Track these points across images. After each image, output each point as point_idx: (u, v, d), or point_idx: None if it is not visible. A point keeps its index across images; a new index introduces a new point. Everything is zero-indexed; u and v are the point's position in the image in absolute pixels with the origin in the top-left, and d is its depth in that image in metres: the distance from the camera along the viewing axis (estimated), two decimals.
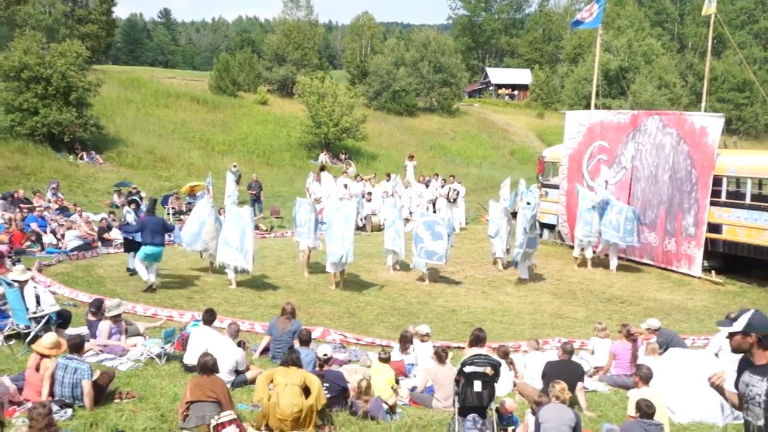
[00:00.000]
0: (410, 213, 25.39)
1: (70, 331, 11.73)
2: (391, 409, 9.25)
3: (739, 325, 5.01)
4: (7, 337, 11.20)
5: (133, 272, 16.88)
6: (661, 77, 65.40)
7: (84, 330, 11.87)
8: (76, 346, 8.98)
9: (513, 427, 8.91)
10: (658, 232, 21.43)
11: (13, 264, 14.35)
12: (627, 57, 66.45)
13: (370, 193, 26.31)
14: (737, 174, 20.25)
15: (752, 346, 5.02)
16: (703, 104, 27.34)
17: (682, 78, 67.03)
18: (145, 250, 15.51)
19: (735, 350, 5.13)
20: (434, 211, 26.74)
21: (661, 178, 21.38)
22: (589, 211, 21.17)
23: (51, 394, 8.53)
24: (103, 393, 8.67)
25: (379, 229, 25.03)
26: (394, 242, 19.36)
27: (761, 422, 4.94)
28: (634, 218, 20.78)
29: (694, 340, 13.98)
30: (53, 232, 20.10)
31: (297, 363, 8.42)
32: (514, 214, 21.39)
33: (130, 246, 16.79)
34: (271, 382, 8.34)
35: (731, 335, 5.09)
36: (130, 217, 17.83)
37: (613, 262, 21.51)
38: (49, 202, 23.60)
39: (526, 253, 19.30)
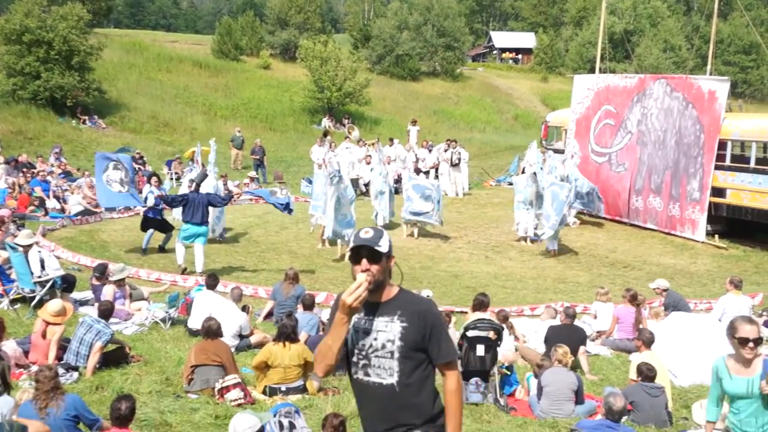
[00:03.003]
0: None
1: (75, 295, 11.82)
2: None
3: (385, 244, 3.74)
4: (13, 301, 11.28)
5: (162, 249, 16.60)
6: (666, 40, 64.70)
7: (89, 294, 11.96)
8: (106, 311, 9.16)
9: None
10: (663, 196, 21.37)
11: (18, 229, 14.38)
12: (632, 20, 65.75)
13: (370, 156, 26.13)
14: (742, 138, 20.14)
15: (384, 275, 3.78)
16: (708, 67, 27.10)
17: (687, 41, 66.28)
18: (182, 228, 14.71)
19: (375, 286, 3.72)
20: (436, 177, 26.72)
21: (668, 143, 21.27)
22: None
23: (58, 358, 8.61)
24: (109, 363, 8.72)
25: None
26: (381, 208, 19.93)
27: (393, 379, 3.74)
28: (593, 192, 21.29)
29: (696, 304, 14.02)
30: (57, 197, 20.11)
31: (291, 337, 8.32)
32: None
33: (148, 224, 16.35)
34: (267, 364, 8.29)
35: (375, 262, 3.72)
36: (152, 198, 16.67)
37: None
38: (52, 166, 23.59)
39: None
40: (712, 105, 20.12)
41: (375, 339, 3.77)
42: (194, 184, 15.84)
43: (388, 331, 3.75)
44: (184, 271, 14.57)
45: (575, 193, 20.38)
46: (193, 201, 14.60)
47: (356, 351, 3.84)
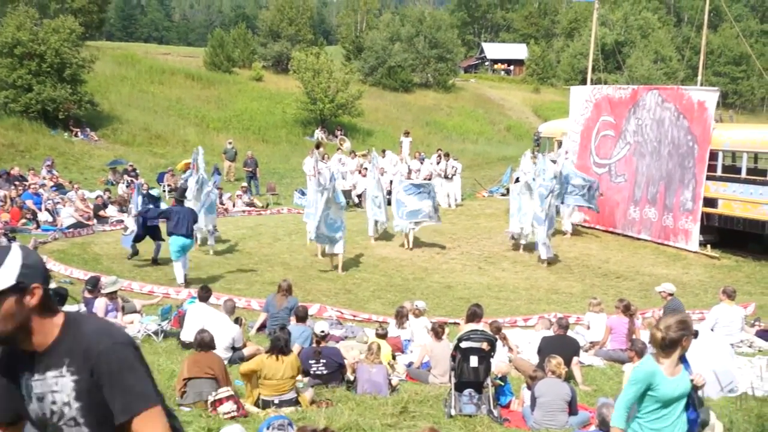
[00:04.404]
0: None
1: (67, 308, 11.73)
2: (392, 387, 9.27)
3: (4, 278, 2.48)
4: None
5: (134, 255, 16.68)
6: (657, 51, 65.08)
7: (81, 308, 11.90)
8: None
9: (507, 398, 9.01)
10: (658, 207, 21.43)
11: (9, 242, 14.31)
12: (623, 31, 66.12)
13: (365, 168, 26.16)
14: (733, 148, 20.24)
15: None
16: (699, 78, 27.27)
17: (678, 52, 66.68)
18: (172, 242, 14.55)
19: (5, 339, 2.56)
20: None
21: (662, 154, 21.36)
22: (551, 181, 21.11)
23: None
24: None
25: None
26: (375, 214, 19.74)
27: None
28: (596, 189, 21.11)
29: (688, 314, 14.02)
30: (49, 210, 20.05)
31: (284, 350, 8.25)
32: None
33: (148, 232, 16.27)
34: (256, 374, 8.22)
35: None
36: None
37: (567, 225, 21.99)
38: (44, 179, 23.51)
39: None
40: (702, 115, 20.22)
41: (53, 403, 2.57)
42: (175, 198, 15.90)
43: (61, 390, 2.54)
44: (187, 286, 14.52)
45: (572, 187, 20.47)
46: (177, 213, 14.62)
47: (40, 424, 2.64)
